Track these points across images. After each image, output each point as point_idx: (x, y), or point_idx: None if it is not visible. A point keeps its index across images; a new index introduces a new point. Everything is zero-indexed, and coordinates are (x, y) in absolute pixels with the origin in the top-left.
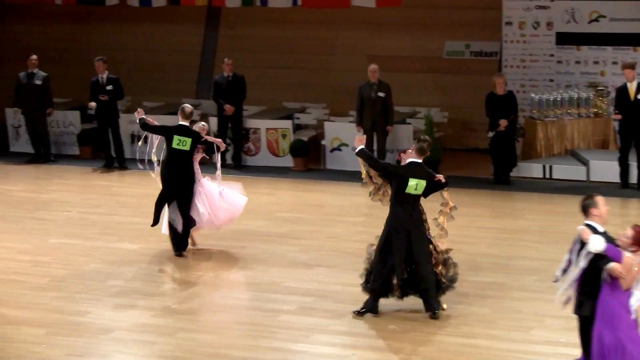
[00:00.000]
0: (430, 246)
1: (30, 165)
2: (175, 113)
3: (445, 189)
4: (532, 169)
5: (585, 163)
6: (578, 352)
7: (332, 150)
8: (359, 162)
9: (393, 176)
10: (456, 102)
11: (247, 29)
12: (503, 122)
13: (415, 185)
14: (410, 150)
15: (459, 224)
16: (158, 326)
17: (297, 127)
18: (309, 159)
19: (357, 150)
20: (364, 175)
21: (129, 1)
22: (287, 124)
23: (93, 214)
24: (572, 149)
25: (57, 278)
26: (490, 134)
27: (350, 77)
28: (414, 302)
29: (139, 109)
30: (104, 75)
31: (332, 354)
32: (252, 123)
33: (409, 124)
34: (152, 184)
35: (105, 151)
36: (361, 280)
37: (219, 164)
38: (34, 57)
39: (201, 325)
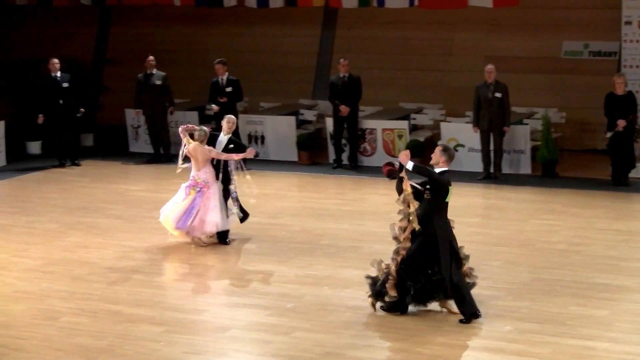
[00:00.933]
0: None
1: (149, 165)
2: (291, 114)
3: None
4: None
5: None
6: None
7: None
8: (405, 181)
9: (443, 184)
10: (574, 102)
11: (363, 29)
12: (621, 123)
13: (451, 193)
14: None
15: (577, 225)
16: (273, 325)
17: (414, 128)
18: (426, 160)
19: (411, 167)
20: (407, 193)
21: (247, 3)
22: (403, 124)
23: None
24: None
25: (174, 276)
26: (609, 135)
27: (467, 77)
28: (533, 305)
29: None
30: (224, 77)
31: (447, 354)
32: (368, 123)
33: (526, 124)
34: (268, 184)
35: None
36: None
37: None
38: (151, 58)
39: (316, 325)
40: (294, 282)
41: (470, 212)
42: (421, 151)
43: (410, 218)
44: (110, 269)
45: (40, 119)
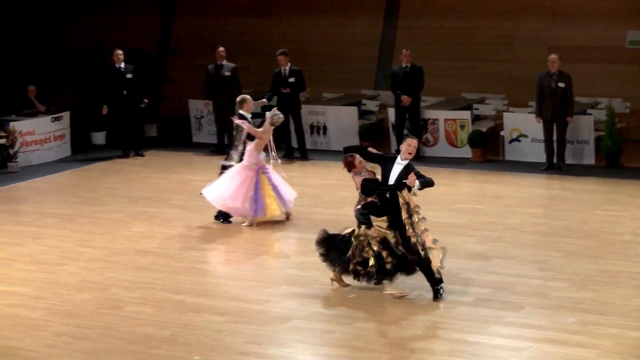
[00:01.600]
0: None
1: (213, 156)
2: (353, 104)
3: None
4: None
5: None
6: None
7: (511, 141)
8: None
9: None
10: (638, 92)
11: (426, 19)
12: None
13: None
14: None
15: (638, 215)
16: (335, 315)
17: (476, 118)
18: (488, 150)
19: (419, 188)
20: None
21: None
22: (465, 114)
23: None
24: None
25: (237, 267)
26: None
27: (530, 67)
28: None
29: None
30: (286, 68)
31: (509, 345)
32: (430, 114)
33: (590, 114)
34: (332, 174)
35: (285, 142)
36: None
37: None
38: (222, 49)
39: (379, 316)
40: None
41: (534, 203)
42: (484, 142)
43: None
44: (173, 259)
45: (105, 109)
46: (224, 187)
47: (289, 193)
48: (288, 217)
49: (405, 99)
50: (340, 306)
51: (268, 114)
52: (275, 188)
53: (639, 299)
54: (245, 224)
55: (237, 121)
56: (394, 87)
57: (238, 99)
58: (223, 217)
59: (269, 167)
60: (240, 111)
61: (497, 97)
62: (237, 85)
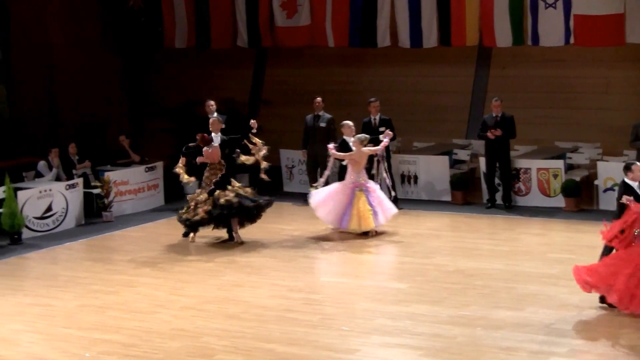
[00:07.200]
0: None
1: (303, 206)
2: (445, 153)
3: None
4: None
5: None
6: None
7: (606, 190)
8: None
9: None
10: None
11: (518, 68)
12: None
13: None
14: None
15: None
16: None
17: (569, 167)
18: (581, 199)
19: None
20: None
21: (400, 43)
22: (558, 163)
23: (365, 253)
24: None
25: (328, 316)
26: None
27: (625, 116)
28: None
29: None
30: (376, 117)
31: None
32: (522, 163)
33: None
34: (421, 223)
35: None
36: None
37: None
38: (319, 99)
39: None
40: (446, 323)
41: None
42: (577, 191)
43: None
44: (264, 308)
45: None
46: (323, 194)
47: (388, 210)
48: (375, 233)
49: (492, 134)
50: (431, 357)
51: (353, 141)
52: (372, 205)
53: None
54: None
55: (329, 146)
56: (481, 133)
57: (341, 123)
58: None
59: (371, 186)
60: (344, 137)
61: (590, 146)
62: (334, 137)
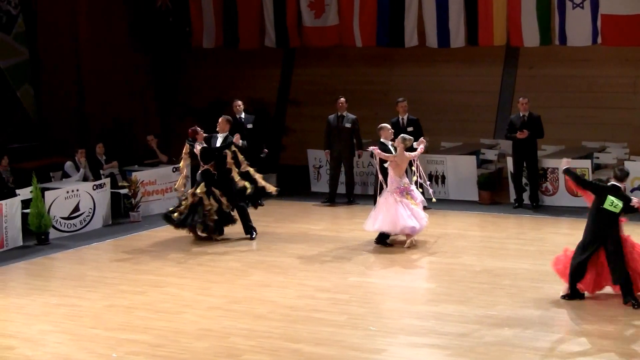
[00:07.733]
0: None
1: (330, 206)
2: (472, 153)
3: None
4: None
5: None
6: None
7: (633, 190)
8: None
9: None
10: None
11: (545, 68)
12: None
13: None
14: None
15: None
16: None
17: (597, 167)
18: None
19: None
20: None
21: (428, 43)
22: (585, 163)
23: (392, 253)
24: None
25: (354, 316)
26: None
27: None
28: None
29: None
30: (404, 117)
31: None
32: (550, 163)
33: None
34: (449, 223)
35: None
36: None
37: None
38: (343, 99)
39: None
40: (474, 322)
41: None
42: None
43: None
44: (291, 308)
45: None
46: (381, 215)
47: (421, 220)
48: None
49: (520, 134)
50: (458, 357)
51: (397, 140)
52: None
53: None
54: (406, 245)
55: (370, 148)
56: (508, 134)
57: (378, 126)
58: (380, 240)
59: (413, 189)
60: (381, 139)
61: (618, 146)
62: (357, 137)
